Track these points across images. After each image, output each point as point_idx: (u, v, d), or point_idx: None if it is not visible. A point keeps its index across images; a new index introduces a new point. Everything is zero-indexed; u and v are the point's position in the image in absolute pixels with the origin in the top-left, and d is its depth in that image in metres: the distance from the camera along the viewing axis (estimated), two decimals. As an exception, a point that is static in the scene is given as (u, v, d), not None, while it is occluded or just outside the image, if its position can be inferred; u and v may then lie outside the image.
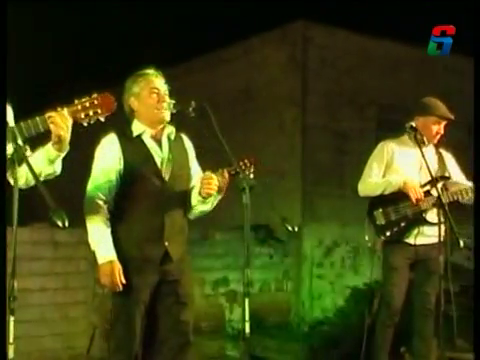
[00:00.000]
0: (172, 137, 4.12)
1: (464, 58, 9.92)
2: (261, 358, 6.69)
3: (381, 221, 5.22)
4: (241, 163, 4.40)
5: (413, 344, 5.27)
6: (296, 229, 4.01)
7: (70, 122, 3.24)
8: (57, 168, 3.43)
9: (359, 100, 9.69)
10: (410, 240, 5.18)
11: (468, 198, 5.14)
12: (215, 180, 3.99)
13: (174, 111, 4.00)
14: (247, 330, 3.81)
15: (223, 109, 9.12)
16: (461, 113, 10.51)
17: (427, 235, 5.17)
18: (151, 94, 4.02)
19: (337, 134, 9.30)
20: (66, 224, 2.85)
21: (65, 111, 3.24)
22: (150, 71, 4.10)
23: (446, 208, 4.61)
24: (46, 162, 3.35)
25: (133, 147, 4.00)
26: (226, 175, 4.11)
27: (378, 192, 5.22)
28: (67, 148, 3.34)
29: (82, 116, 3.26)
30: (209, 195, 4.01)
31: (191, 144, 4.26)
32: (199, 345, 5.92)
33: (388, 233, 5.20)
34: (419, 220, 5.17)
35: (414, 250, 5.17)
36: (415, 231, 5.17)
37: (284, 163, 9.18)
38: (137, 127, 4.05)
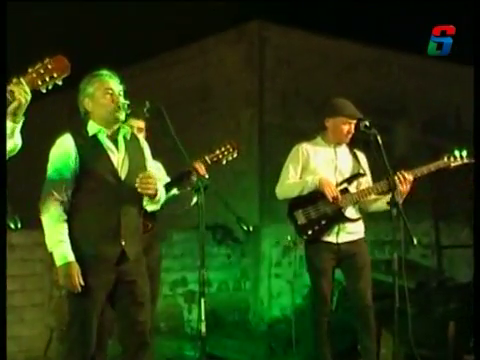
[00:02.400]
0: (128, 137, 4.12)
1: (420, 58, 10.06)
2: (220, 358, 6.70)
3: (302, 221, 5.28)
4: (223, 149, 4.41)
5: (360, 341, 5.33)
6: (251, 229, 4.01)
7: (29, 91, 3.23)
8: (17, 140, 3.41)
9: (316, 100, 9.73)
10: (332, 239, 5.25)
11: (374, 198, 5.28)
12: (154, 179, 3.97)
13: (128, 111, 4.00)
14: (203, 330, 3.82)
15: (179, 109, 9.11)
16: (416, 112, 10.72)
17: (349, 232, 5.27)
18: (105, 95, 4.02)
19: (294, 134, 9.31)
20: (19, 226, 2.84)
21: (22, 80, 3.22)
22: (104, 72, 4.10)
23: (400, 207, 4.67)
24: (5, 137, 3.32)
25: (89, 147, 3.99)
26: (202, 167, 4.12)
27: (295, 193, 5.29)
28: (22, 119, 3.34)
29: (39, 83, 3.23)
30: (147, 195, 4.00)
31: (147, 144, 4.27)
32: (157, 345, 5.91)
33: (310, 232, 5.26)
34: (338, 217, 5.24)
35: (337, 248, 5.24)
36: (336, 229, 5.24)
37: (241, 163, 9.17)
38: (92, 128, 4.04)
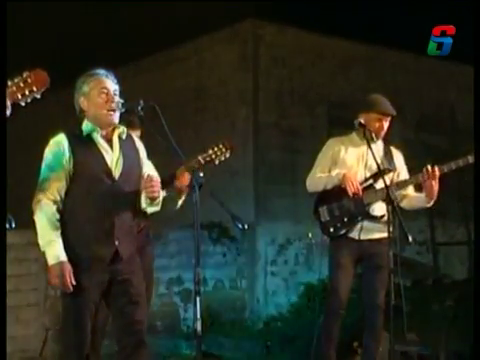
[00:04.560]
0: (123, 137, 4.11)
1: (413, 56, 10.09)
2: (216, 356, 6.71)
3: (325, 217, 5.24)
4: (216, 148, 4.40)
5: (363, 339, 5.31)
6: (246, 227, 4.00)
7: (9, 105, 3.18)
8: None
9: (310, 98, 9.75)
10: (354, 235, 5.18)
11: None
12: (157, 182, 3.97)
13: (123, 110, 3.99)
14: (199, 328, 3.81)
15: (174, 108, 9.11)
16: (409, 110, 10.75)
17: (371, 230, 5.16)
18: (100, 94, 4.00)
19: (288, 132, 9.35)
20: (13, 226, 2.82)
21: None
22: (100, 71, 4.08)
23: (395, 204, 4.65)
24: None
25: (83, 146, 3.98)
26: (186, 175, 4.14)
27: (321, 187, 5.23)
28: None
29: (19, 96, 3.18)
30: (153, 199, 4.00)
31: (141, 144, 4.26)
32: (154, 344, 5.91)
33: (332, 229, 5.21)
34: (362, 214, 5.16)
35: (358, 245, 5.16)
36: (358, 226, 5.17)
37: (236, 162, 9.20)
38: (87, 127, 4.03)
